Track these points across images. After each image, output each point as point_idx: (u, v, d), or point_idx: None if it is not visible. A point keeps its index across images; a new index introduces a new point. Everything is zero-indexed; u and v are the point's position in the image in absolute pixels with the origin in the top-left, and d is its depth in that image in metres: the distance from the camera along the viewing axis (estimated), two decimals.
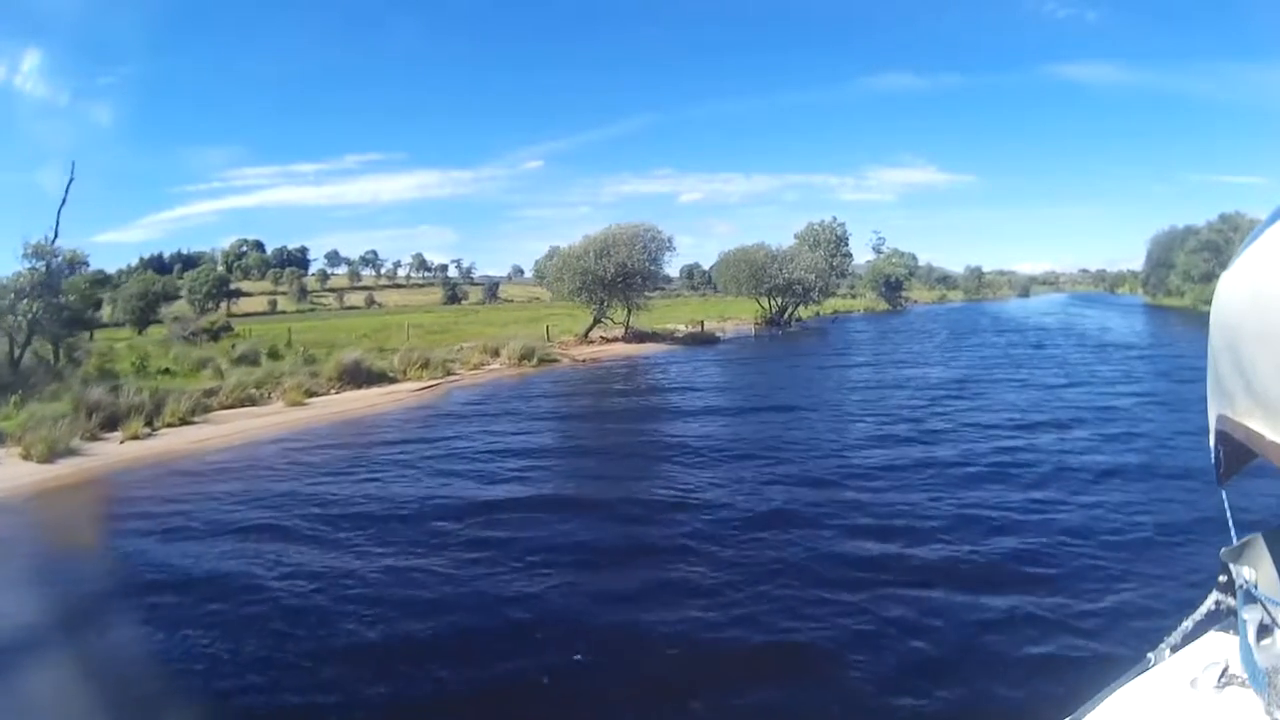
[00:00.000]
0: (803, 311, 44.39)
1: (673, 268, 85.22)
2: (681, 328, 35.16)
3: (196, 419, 15.58)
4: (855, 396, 16.72)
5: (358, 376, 18.37)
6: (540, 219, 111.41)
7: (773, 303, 41.62)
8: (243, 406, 16.63)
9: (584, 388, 19.33)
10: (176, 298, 52.92)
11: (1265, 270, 0.85)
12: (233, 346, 26.52)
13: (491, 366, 21.88)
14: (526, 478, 10.05)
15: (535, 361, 22.63)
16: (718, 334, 35.07)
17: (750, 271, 40.33)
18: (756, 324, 40.34)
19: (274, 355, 25.28)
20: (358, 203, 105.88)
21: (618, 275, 28.97)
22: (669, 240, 31.81)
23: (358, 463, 11.16)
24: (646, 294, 31.38)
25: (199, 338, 33.31)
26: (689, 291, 73.19)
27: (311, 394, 17.63)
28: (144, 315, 42.83)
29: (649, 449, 11.99)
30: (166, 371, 23.35)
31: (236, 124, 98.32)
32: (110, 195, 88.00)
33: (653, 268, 31.04)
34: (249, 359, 23.70)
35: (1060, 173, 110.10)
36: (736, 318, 42.46)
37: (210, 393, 17.26)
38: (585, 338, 29.32)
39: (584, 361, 24.17)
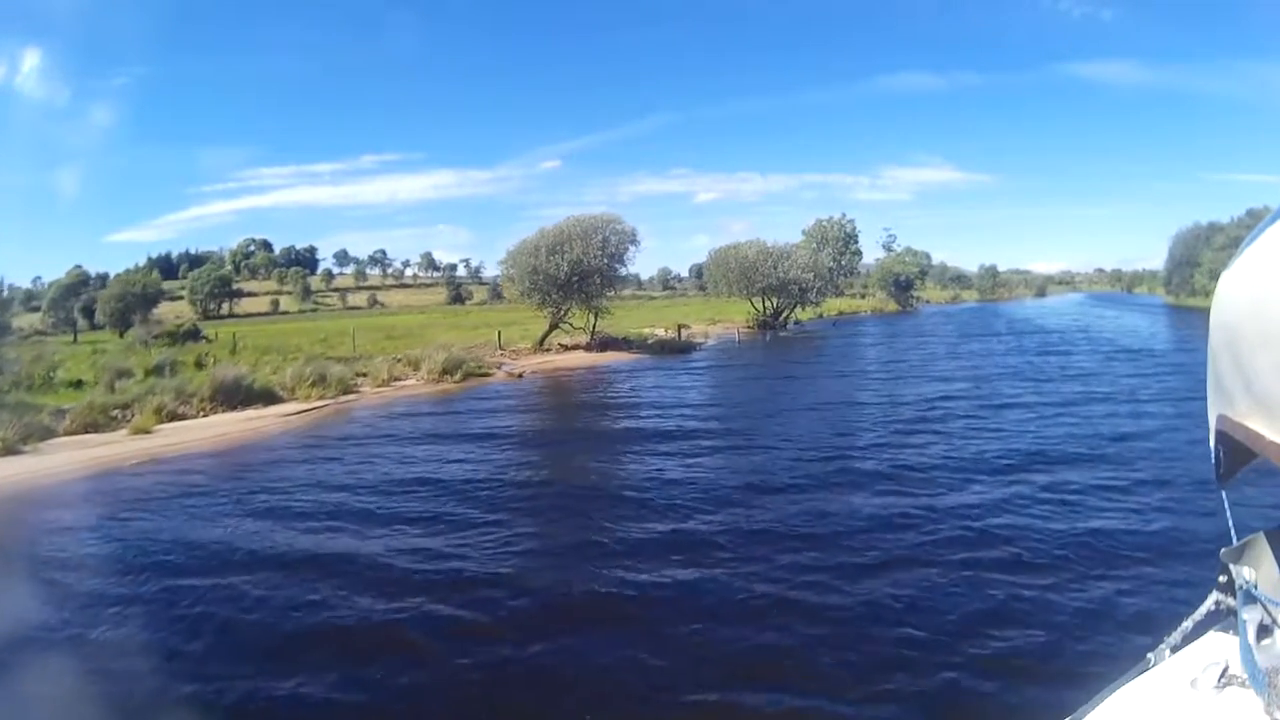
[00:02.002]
0: (802, 313, 41.08)
1: (682, 266, 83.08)
2: (660, 332, 32.35)
3: (26, 448, 13.60)
4: (818, 422, 13.81)
5: (235, 396, 16.19)
6: (556, 219, 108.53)
7: (767, 304, 38.50)
8: (87, 432, 14.62)
9: (493, 414, 16.39)
10: (167, 298, 52.30)
11: (1265, 270, 0.84)
12: (159, 354, 24.85)
13: (405, 382, 19.41)
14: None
15: (460, 376, 20.05)
16: (698, 340, 32.06)
17: (740, 270, 37.26)
18: (744, 328, 37.07)
19: (199, 364, 23.53)
20: (374, 202, 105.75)
21: (572, 274, 26.02)
22: (634, 233, 28.57)
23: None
24: (609, 295, 28.20)
25: (158, 341, 32.08)
26: (695, 291, 70.55)
27: (176, 417, 15.54)
28: (124, 318, 42.16)
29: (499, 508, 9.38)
30: (78, 384, 21.76)
31: (253, 124, 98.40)
32: (126, 195, 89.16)
33: (616, 265, 27.84)
34: (161, 370, 21.94)
35: (1076, 172, 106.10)
36: (729, 320, 39.32)
37: (60, 414, 15.35)
38: (541, 345, 26.65)
39: (520, 376, 21.47)
